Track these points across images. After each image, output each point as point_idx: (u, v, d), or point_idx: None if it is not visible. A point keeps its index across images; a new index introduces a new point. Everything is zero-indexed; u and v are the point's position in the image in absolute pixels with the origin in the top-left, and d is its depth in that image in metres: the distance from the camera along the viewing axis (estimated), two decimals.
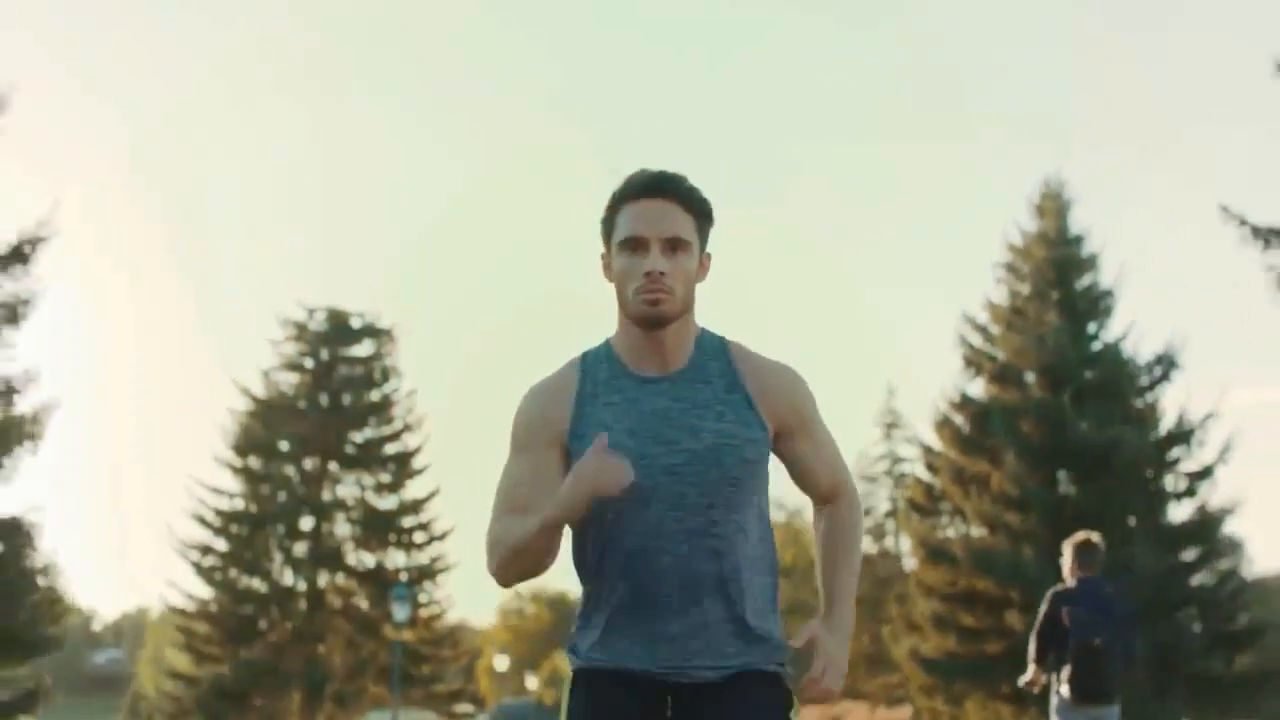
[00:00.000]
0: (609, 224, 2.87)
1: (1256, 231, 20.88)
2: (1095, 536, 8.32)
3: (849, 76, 77.96)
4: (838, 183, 79.08)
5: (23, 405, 17.76)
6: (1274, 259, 20.89)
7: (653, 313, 2.80)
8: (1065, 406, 26.35)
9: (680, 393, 2.85)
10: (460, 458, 76.30)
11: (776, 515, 55.26)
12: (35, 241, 18.00)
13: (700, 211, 2.87)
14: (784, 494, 56.93)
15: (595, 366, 2.90)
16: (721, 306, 3.09)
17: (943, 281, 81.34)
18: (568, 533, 2.88)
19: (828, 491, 3.04)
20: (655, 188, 2.83)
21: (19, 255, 17.83)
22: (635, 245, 2.81)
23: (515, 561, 2.80)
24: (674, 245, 2.80)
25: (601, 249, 2.91)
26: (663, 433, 2.81)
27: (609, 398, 2.86)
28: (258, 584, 33.40)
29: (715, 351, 2.91)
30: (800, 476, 3.01)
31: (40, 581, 19.00)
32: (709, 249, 2.93)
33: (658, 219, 2.80)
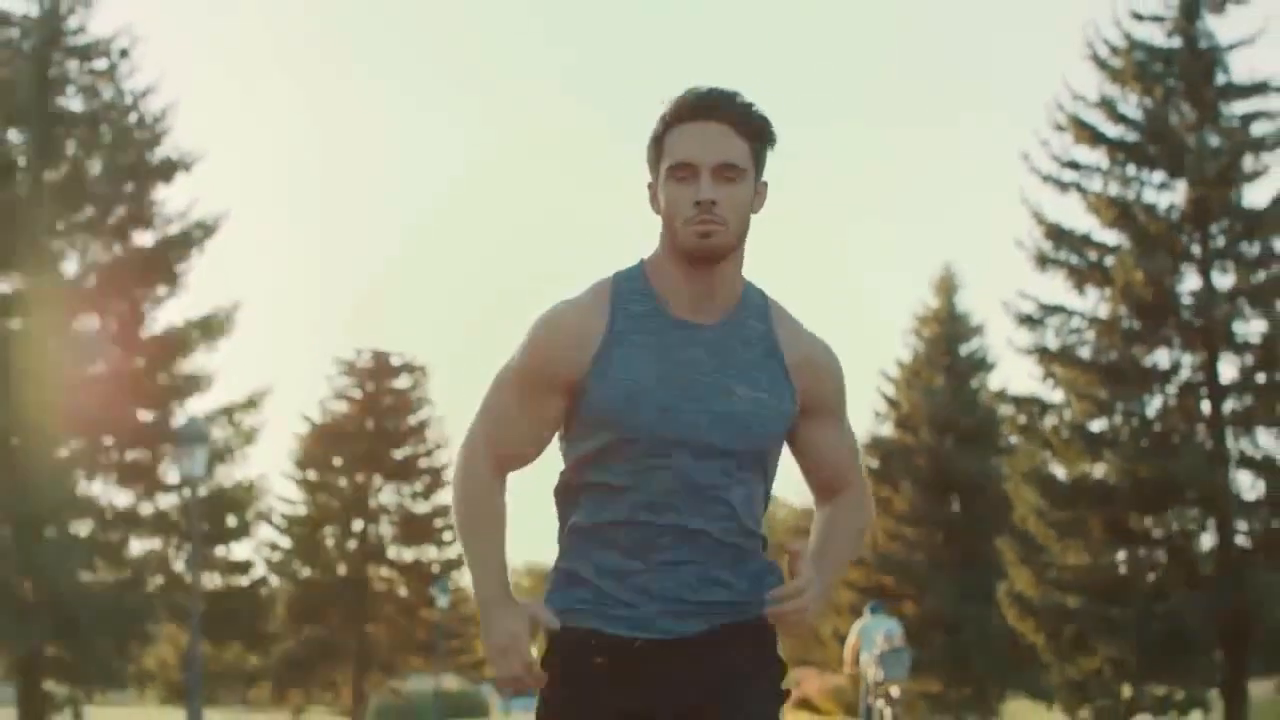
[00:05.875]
0: (656, 149, 2.58)
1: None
2: None
3: (850, 56, 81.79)
4: (835, 165, 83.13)
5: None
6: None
7: (704, 245, 2.51)
8: (949, 449, 34.44)
9: (718, 347, 2.58)
10: None
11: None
12: (263, 394, 25.63)
13: (757, 134, 2.57)
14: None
15: (628, 299, 2.60)
16: None
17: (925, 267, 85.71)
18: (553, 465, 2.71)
19: (838, 484, 2.76)
20: (707, 108, 2.54)
21: (253, 403, 25.38)
22: (684, 172, 2.52)
23: (457, 524, 2.70)
24: (727, 172, 2.52)
25: (648, 177, 2.61)
26: (692, 387, 2.56)
27: (641, 337, 2.57)
28: (317, 575, 40.51)
29: (757, 310, 2.64)
30: (814, 463, 2.72)
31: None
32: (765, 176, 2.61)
33: (709, 143, 2.52)
